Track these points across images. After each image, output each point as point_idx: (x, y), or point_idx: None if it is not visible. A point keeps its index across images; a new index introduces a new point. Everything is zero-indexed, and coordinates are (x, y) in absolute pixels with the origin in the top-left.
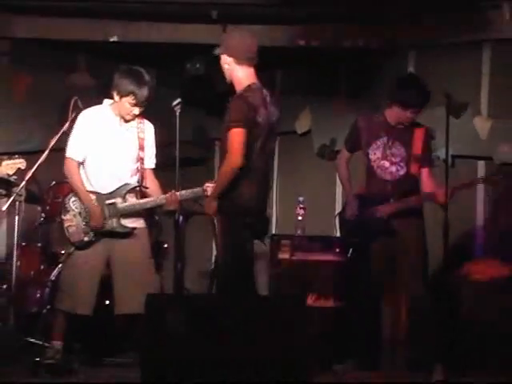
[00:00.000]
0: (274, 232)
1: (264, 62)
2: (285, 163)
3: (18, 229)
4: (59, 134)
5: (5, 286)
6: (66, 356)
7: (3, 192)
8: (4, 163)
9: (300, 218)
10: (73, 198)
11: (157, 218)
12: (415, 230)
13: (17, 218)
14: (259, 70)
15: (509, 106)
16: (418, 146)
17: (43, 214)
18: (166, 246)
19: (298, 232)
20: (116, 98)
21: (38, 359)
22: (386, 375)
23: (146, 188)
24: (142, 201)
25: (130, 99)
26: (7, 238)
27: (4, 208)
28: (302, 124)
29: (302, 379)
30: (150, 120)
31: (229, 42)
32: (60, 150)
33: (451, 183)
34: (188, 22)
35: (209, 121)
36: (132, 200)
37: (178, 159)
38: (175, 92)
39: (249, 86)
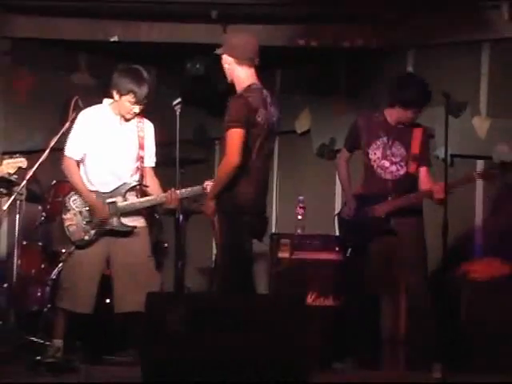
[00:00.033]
0: (273, 231)
1: (264, 61)
2: (284, 163)
3: (18, 228)
4: (60, 134)
5: (6, 285)
6: (66, 354)
7: (4, 191)
8: (5, 162)
9: (300, 217)
10: (73, 197)
11: (157, 216)
12: (415, 229)
13: (18, 217)
14: (259, 70)
15: (507, 106)
16: (416, 146)
17: (44, 213)
18: (166, 244)
19: (298, 231)
20: (116, 97)
21: (38, 357)
22: (385, 374)
23: (146, 187)
24: (142, 199)
25: (129, 97)
26: (8, 236)
27: (5, 207)
28: (302, 123)
29: (302, 379)
30: (150, 119)
31: (230, 42)
32: (61, 149)
33: (450, 182)
34: (188, 21)
35: (209, 120)
36: (132, 199)
37: (178, 158)
38: (175, 92)
39: (249, 86)
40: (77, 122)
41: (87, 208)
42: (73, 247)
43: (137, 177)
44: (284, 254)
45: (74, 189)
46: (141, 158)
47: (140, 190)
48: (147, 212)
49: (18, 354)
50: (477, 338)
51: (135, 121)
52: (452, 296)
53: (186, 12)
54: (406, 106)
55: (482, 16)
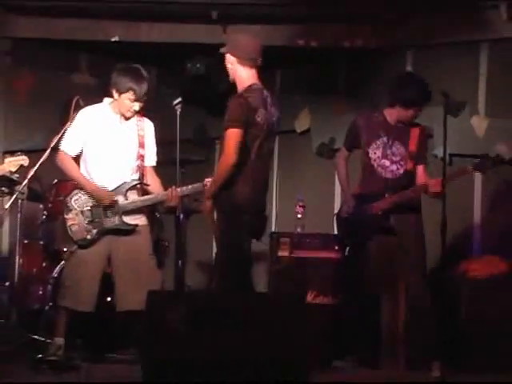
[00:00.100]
0: (273, 230)
1: (264, 61)
2: (284, 162)
3: (20, 226)
4: (61, 133)
5: (7, 283)
6: (67, 352)
7: (6, 190)
8: (6, 160)
9: (299, 215)
10: (75, 197)
11: (158, 215)
12: (414, 226)
13: (19, 215)
14: (259, 70)
15: (506, 105)
16: (413, 143)
17: (45, 212)
18: (166, 243)
19: (298, 230)
20: (115, 95)
21: (40, 355)
22: (385, 373)
23: (147, 185)
24: (143, 198)
25: (129, 95)
26: (10, 235)
27: (7, 206)
28: (302, 123)
29: (302, 378)
30: (150, 119)
31: (233, 42)
32: None
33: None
34: (188, 22)
35: (209, 120)
36: (133, 197)
37: (178, 158)
38: (175, 91)
39: (250, 86)
40: (75, 119)
41: (89, 207)
42: (75, 246)
43: (137, 175)
44: (284, 253)
45: (72, 179)
46: (141, 157)
47: (141, 188)
48: (148, 210)
49: (20, 352)
50: (476, 336)
51: (135, 120)
52: (451, 294)
53: (187, 12)
54: (406, 106)
55: (481, 16)
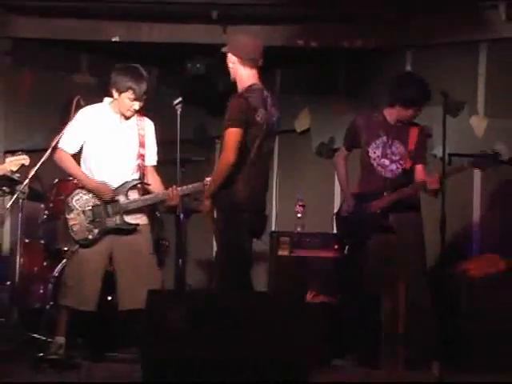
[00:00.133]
0: (273, 229)
1: (264, 61)
2: (284, 161)
3: (21, 226)
4: (62, 133)
5: (8, 283)
6: (68, 351)
7: (7, 190)
8: (7, 160)
9: (299, 215)
10: (76, 197)
11: (158, 214)
12: (413, 225)
13: (20, 215)
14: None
15: (505, 105)
16: (412, 143)
17: (46, 212)
18: (167, 242)
19: (298, 229)
20: (115, 95)
21: (41, 354)
22: (385, 372)
23: (148, 185)
24: (144, 197)
25: (129, 94)
26: (11, 235)
27: (8, 205)
28: (301, 123)
29: (302, 377)
30: (151, 118)
31: (235, 41)
32: None
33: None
34: (188, 22)
35: (209, 120)
36: (134, 197)
37: (178, 157)
38: (176, 91)
39: (250, 86)
40: (75, 118)
41: (90, 207)
42: (77, 246)
43: (138, 175)
44: (284, 252)
45: (71, 177)
46: (141, 156)
47: (142, 188)
48: (148, 210)
49: (21, 351)
50: (476, 334)
51: (135, 119)
52: (451, 292)
53: (187, 12)
54: (406, 105)
55: (480, 16)
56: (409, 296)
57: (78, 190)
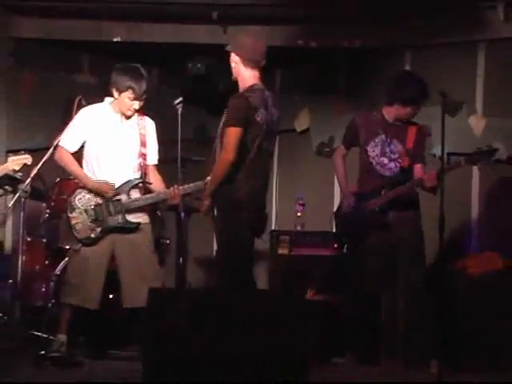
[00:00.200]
0: (273, 228)
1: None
2: (284, 161)
3: (23, 224)
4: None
5: (10, 281)
6: (70, 349)
7: (9, 189)
8: (10, 159)
9: (299, 214)
10: (78, 196)
11: (159, 213)
12: (412, 222)
13: (22, 214)
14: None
15: (503, 105)
16: (410, 141)
17: (48, 210)
18: (168, 241)
19: (297, 228)
20: (115, 94)
21: (43, 352)
22: (384, 371)
23: (150, 183)
24: (145, 196)
25: (128, 94)
26: (13, 233)
27: (10, 204)
28: (301, 122)
29: (302, 376)
30: (152, 118)
31: (238, 42)
32: None
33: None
34: (189, 22)
35: (209, 119)
36: (136, 196)
37: (179, 157)
38: (176, 91)
39: (251, 86)
40: (76, 117)
41: (92, 206)
42: (79, 245)
43: (139, 174)
44: (283, 251)
45: (71, 174)
46: (143, 155)
47: (143, 187)
48: (150, 209)
49: (23, 349)
50: (474, 333)
51: (136, 118)
52: (449, 290)
53: (187, 13)
54: (404, 104)
55: (479, 16)
56: (407, 294)
57: (80, 189)
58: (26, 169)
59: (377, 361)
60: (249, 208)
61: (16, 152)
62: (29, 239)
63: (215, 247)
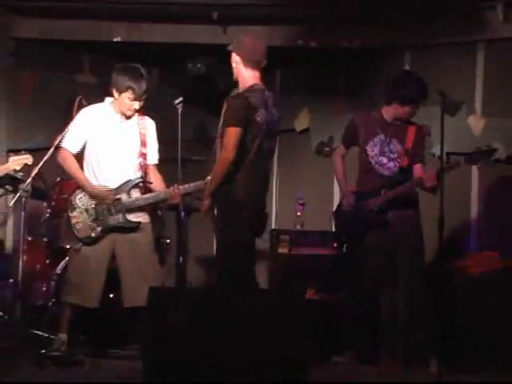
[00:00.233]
0: (273, 227)
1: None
2: (284, 160)
3: (24, 224)
4: (64, 132)
5: (11, 280)
6: (70, 348)
7: (10, 188)
8: (11, 159)
9: (299, 213)
10: (79, 196)
11: (159, 213)
12: (411, 222)
13: (23, 213)
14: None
15: (502, 105)
16: (410, 141)
17: (49, 210)
18: (168, 240)
19: (297, 227)
20: (115, 94)
21: (43, 351)
22: (383, 370)
23: (150, 183)
24: (146, 196)
25: (128, 94)
26: (14, 232)
27: (11, 204)
28: (301, 122)
29: (302, 376)
30: (152, 118)
31: (239, 42)
32: None
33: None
34: (189, 22)
35: (210, 119)
36: (136, 195)
37: (179, 156)
38: (177, 91)
39: (251, 86)
40: (77, 117)
41: (93, 205)
42: (80, 244)
43: (140, 173)
44: (283, 250)
45: (71, 176)
46: (143, 155)
47: (144, 186)
48: (150, 208)
49: (24, 348)
50: (474, 332)
51: (136, 118)
52: (448, 289)
53: (187, 13)
54: (403, 103)
55: (478, 17)
56: (407, 293)
57: (80, 189)
58: (26, 168)
59: (376, 360)
60: (248, 208)
61: (17, 152)
62: (30, 238)
63: (215, 247)
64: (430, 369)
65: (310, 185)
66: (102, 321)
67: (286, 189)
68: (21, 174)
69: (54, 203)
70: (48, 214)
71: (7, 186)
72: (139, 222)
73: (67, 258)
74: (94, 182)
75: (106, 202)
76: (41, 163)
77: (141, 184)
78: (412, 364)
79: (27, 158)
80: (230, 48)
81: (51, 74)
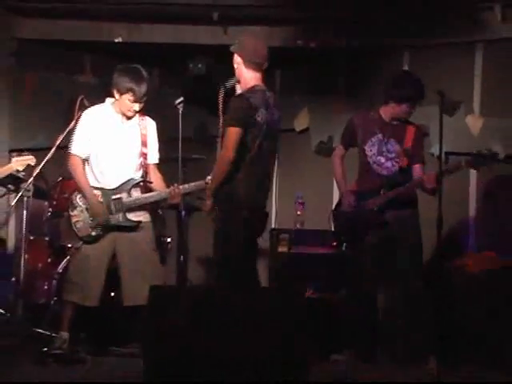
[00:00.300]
0: (273, 226)
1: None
2: (284, 160)
3: (25, 223)
4: (66, 132)
5: (13, 279)
6: (72, 346)
7: (12, 188)
8: (14, 160)
9: (298, 212)
10: (79, 195)
11: (160, 212)
12: (410, 221)
13: (25, 212)
14: None
15: (500, 105)
16: (409, 141)
17: (50, 209)
18: (169, 239)
19: (297, 226)
20: (116, 95)
21: (45, 349)
22: (382, 368)
23: (151, 183)
24: (146, 195)
25: (129, 96)
26: (16, 232)
27: (13, 203)
28: (301, 122)
29: (302, 376)
30: (153, 118)
31: (241, 43)
32: (66, 147)
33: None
34: (190, 23)
35: (210, 119)
36: (137, 194)
37: (180, 155)
38: (177, 91)
39: (252, 87)
40: (80, 121)
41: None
42: (80, 243)
43: (140, 173)
44: (283, 249)
45: (77, 187)
46: (144, 155)
47: (144, 185)
48: (151, 207)
49: (25, 346)
50: (473, 331)
51: (137, 119)
52: (447, 289)
53: (188, 14)
54: (399, 102)
55: (476, 17)
56: (405, 292)
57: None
58: (28, 168)
59: (375, 359)
60: (248, 207)
61: (19, 152)
62: (31, 237)
63: (213, 246)
64: (428, 366)
65: (309, 184)
66: (103, 319)
67: (286, 188)
68: (23, 173)
69: (55, 202)
70: (49, 213)
71: (9, 186)
72: (139, 221)
73: (68, 257)
74: (94, 182)
75: (97, 218)
76: (42, 163)
77: (141, 183)
78: (411, 363)
79: (30, 159)
80: (231, 49)
81: (52, 74)
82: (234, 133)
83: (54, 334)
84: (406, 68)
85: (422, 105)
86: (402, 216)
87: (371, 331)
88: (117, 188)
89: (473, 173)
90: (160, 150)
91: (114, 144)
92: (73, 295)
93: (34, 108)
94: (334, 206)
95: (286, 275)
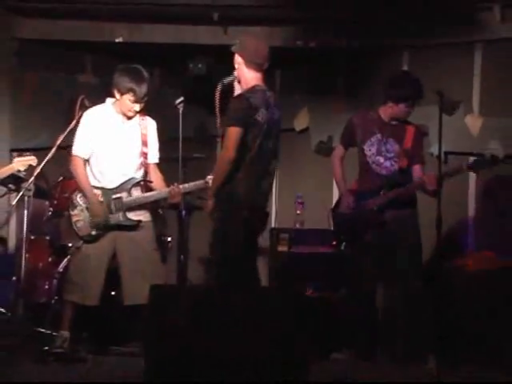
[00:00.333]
0: (273, 226)
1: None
2: (284, 159)
3: (26, 223)
4: (67, 132)
5: (14, 278)
6: (73, 345)
7: (13, 187)
8: (15, 160)
9: (298, 212)
10: (80, 194)
11: (161, 211)
12: (409, 221)
13: (26, 212)
14: None
15: (499, 105)
16: (408, 141)
17: (51, 209)
18: (169, 239)
19: (297, 226)
20: (117, 95)
21: (46, 348)
22: (381, 367)
23: (151, 182)
24: (146, 194)
25: (129, 96)
26: (16, 231)
27: (14, 203)
28: (300, 122)
29: (302, 375)
30: (153, 118)
31: (242, 43)
32: (67, 147)
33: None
34: (190, 23)
35: (210, 119)
36: (137, 194)
37: (180, 155)
38: (178, 91)
39: (253, 87)
40: (81, 121)
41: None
42: (81, 242)
43: (141, 173)
44: (283, 248)
45: (78, 187)
46: (144, 155)
47: (144, 185)
48: (151, 207)
49: (26, 345)
50: (472, 330)
51: (138, 118)
52: (446, 289)
53: (188, 14)
54: (397, 101)
55: (476, 17)
56: (405, 292)
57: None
58: (29, 168)
59: (375, 358)
60: (248, 207)
61: (20, 151)
62: (32, 237)
63: (212, 246)
64: (428, 365)
65: (309, 184)
66: (103, 318)
67: (286, 188)
68: (24, 173)
69: (56, 202)
70: (50, 213)
71: (10, 185)
72: (140, 221)
73: (69, 256)
74: (95, 181)
75: (96, 219)
76: (43, 163)
77: (141, 183)
78: (410, 362)
79: (32, 160)
80: (233, 49)
81: (53, 74)
82: (234, 133)
83: (54, 334)
84: (405, 68)
85: (422, 105)
86: (402, 216)
87: (371, 330)
88: (117, 187)
89: (472, 173)
90: (160, 149)
91: (114, 144)
92: (73, 295)
93: (34, 108)
94: (333, 206)
95: (286, 275)
